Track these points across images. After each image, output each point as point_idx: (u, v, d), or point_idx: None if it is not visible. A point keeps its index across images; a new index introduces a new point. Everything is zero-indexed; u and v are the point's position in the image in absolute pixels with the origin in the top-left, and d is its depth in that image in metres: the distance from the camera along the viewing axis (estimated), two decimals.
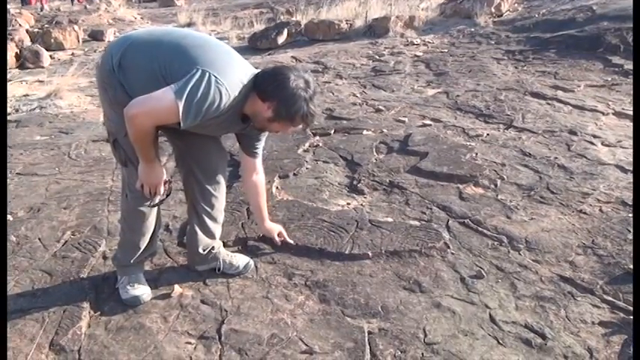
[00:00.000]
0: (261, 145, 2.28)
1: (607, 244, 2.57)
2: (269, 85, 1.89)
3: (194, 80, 1.76)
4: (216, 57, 1.87)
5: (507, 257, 2.49)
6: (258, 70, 1.97)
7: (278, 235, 2.59)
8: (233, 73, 1.87)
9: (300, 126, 2.01)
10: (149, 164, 1.94)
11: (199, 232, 2.30)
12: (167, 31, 2.03)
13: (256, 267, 2.45)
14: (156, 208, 2.18)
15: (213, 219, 2.32)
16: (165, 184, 2.04)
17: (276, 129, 2.01)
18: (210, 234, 2.33)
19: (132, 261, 2.23)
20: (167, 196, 2.10)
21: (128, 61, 1.89)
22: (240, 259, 2.42)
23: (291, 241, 2.60)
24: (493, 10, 9.22)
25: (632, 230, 2.65)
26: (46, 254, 2.61)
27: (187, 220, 2.36)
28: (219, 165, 2.27)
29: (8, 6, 13.07)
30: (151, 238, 2.23)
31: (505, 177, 3.34)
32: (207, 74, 1.77)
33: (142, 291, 2.22)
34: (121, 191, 2.25)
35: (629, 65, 5.88)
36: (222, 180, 2.30)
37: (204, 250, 2.34)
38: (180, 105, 1.73)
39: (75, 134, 4.73)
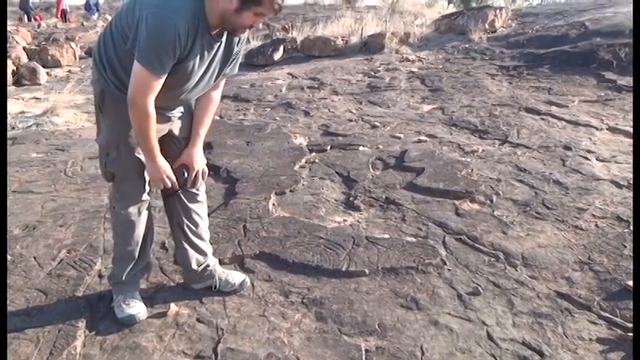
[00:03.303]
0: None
1: (603, 259, 2.57)
2: None
3: (140, 32, 1.75)
4: None
5: (504, 273, 2.49)
6: None
7: (192, 169, 2.15)
8: None
9: (269, 10, 1.81)
10: (155, 160, 1.98)
11: (189, 249, 2.30)
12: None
13: (252, 285, 2.44)
14: (145, 218, 2.20)
15: (199, 236, 2.32)
16: (174, 172, 2.07)
17: (248, 21, 1.82)
18: (200, 250, 2.32)
19: (126, 275, 2.22)
20: (186, 175, 2.13)
21: (108, 54, 1.93)
22: (236, 277, 2.41)
23: (198, 181, 2.21)
24: (487, 26, 9.31)
25: (628, 246, 2.66)
26: (41, 273, 2.59)
27: (175, 240, 2.35)
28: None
29: None
30: (143, 248, 2.24)
31: (501, 193, 3.35)
32: (145, 17, 1.73)
33: (138, 309, 2.21)
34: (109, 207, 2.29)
35: (622, 81, 5.94)
36: (203, 199, 2.32)
37: (198, 266, 2.33)
38: (147, 63, 1.76)
39: (71, 151, 4.72)
